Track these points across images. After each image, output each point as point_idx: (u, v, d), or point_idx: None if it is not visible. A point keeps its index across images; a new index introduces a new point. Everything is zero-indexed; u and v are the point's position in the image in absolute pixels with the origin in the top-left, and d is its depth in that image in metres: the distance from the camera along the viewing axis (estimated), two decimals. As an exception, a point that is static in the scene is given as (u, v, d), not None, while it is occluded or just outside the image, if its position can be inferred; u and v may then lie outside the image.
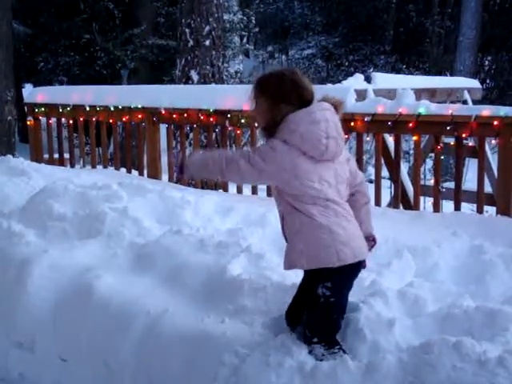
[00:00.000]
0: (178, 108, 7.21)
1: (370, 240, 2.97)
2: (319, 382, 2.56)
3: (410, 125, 5.66)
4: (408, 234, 4.46)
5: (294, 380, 2.61)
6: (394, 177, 6.28)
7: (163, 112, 7.32)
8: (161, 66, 16.36)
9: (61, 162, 8.62)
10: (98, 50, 15.42)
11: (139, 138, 8.03)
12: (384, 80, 8.01)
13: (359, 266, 2.83)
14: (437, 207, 5.74)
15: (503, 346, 2.58)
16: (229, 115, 6.78)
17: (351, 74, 9.37)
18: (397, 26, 23.76)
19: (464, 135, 5.56)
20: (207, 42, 10.13)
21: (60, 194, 4.79)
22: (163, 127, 7.70)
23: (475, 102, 9.20)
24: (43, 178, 6.14)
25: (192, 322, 3.14)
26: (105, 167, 8.22)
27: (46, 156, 8.83)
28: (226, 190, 6.98)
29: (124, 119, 7.81)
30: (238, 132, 6.99)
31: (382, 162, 6.37)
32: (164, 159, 7.58)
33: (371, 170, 10.68)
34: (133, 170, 7.99)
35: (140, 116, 7.57)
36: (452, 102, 8.39)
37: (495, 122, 5.23)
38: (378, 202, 5.98)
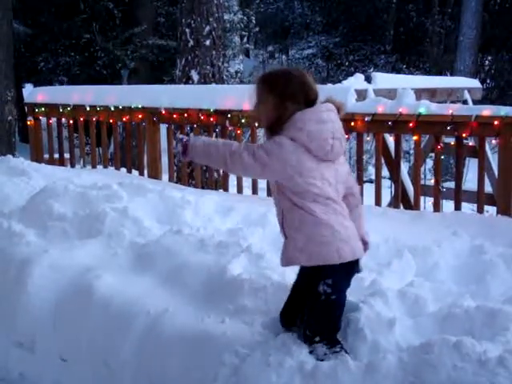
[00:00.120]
0: (178, 108, 7.21)
1: (363, 244, 2.96)
2: (319, 381, 2.56)
3: (411, 125, 5.67)
4: (408, 233, 4.46)
5: (294, 380, 2.61)
6: (395, 177, 6.28)
7: (163, 112, 7.32)
8: (161, 65, 16.36)
9: (61, 162, 8.62)
10: (98, 50, 15.42)
11: (139, 137, 8.03)
12: (384, 80, 8.01)
13: (357, 264, 2.85)
14: (437, 207, 5.74)
15: (504, 346, 2.58)
16: (229, 115, 6.78)
17: (351, 74, 9.37)
18: (397, 25, 23.76)
19: (464, 135, 5.57)
20: (207, 42, 10.14)
21: (60, 194, 4.79)
22: (163, 127, 7.70)
23: (475, 102, 9.19)
24: (43, 177, 6.14)
25: (192, 321, 3.14)
26: (105, 167, 8.22)
27: (47, 156, 8.83)
28: (226, 189, 6.98)
29: (124, 119, 7.82)
30: (239, 132, 6.99)
31: (383, 161, 6.37)
32: (164, 159, 7.58)
33: (371, 170, 10.68)
34: (133, 170, 8.00)
35: (140, 116, 7.57)
36: (452, 102, 8.39)
37: (495, 122, 5.23)
38: (378, 202, 5.99)
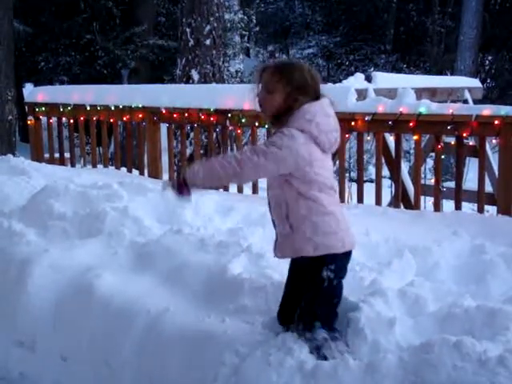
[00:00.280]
0: (178, 107, 7.21)
1: None
2: (320, 381, 2.56)
3: (411, 124, 5.66)
4: (408, 233, 4.46)
5: (294, 379, 2.61)
6: (395, 176, 6.29)
7: (164, 111, 7.32)
8: (161, 65, 16.36)
9: (61, 162, 8.62)
10: (98, 50, 15.42)
11: (140, 137, 8.03)
12: (384, 79, 8.01)
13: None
14: (437, 207, 5.74)
15: (504, 346, 2.58)
16: (229, 115, 6.78)
17: (352, 74, 9.37)
18: (397, 25, 23.76)
19: (465, 135, 5.57)
20: (208, 42, 10.14)
21: (60, 194, 4.79)
22: (164, 127, 7.70)
23: (476, 102, 9.18)
24: (44, 177, 6.14)
25: (192, 321, 3.14)
26: (105, 167, 8.22)
27: (47, 155, 8.83)
28: (226, 189, 6.98)
29: (125, 119, 7.82)
30: (239, 131, 6.99)
31: (383, 161, 6.37)
32: (164, 158, 7.58)
33: (372, 170, 10.68)
34: (133, 170, 8.00)
35: (141, 115, 7.57)
36: (453, 102, 8.39)
37: (496, 122, 5.23)
38: (378, 202, 5.99)
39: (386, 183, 7.70)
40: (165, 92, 7.72)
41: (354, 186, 6.57)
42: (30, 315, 3.71)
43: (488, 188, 6.24)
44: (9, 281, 3.94)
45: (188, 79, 10.17)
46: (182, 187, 2.79)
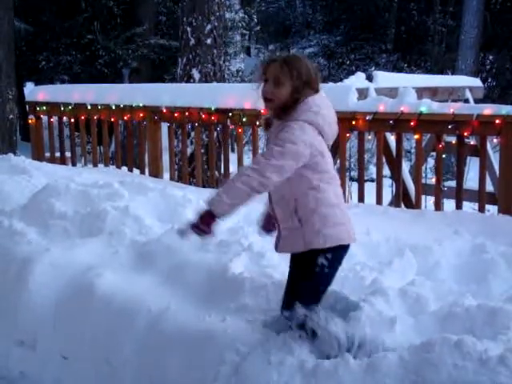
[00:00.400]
0: (179, 107, 7.21)
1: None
2: (320, 380, 2.56)
3: (412, 123, 5.66)
4: (409, 232, 4.46)
5: (295, 378, 2.61)
6: (396, 175, 6.28)
7: (164, 111, 7.32)
8: (162, 64, 16.36)
9: (62, 161, 8.63)
10: (99, 49, 15.41)
11: (140, 136, 8.03)
12: (385, 79, 8.01)
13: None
14: (438, 206, 5.74)
15: (505, 345, 2.58)
16: (230, 114, 6.78)
17: (353, 73, 9.37)
18: (398, 24, 23.75)
19: (466, 134, 5.56)
20: (209, 41, 10.12)
21: (61, 193, 4.79)
22: (165, 126, 7.70)
23: (477, 101, 9.19)
24: (45, 176, 6.14)
25: (193, 320, 3.14)
26: (106, 166, 8.23)
27: (48, 154, 8.84)
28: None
29: (125, 118, 7.82)
30: (240, 131, 6.99)
31: (384, 160, 6.36)
32: (165, 158, 7.58)
33: (373, 169, 10.68)
34: (134, 169, 8.00)
35: (141, 114, 7.58)
36: (454, 101, 8.39)
37: (497, 121, 5.23)
38: (379, 201, 5.99)
39: (387, 182, 7.69)
40: (166, 91, 7.72)
41: (355, 185, 6.57)
42: (31, 314, 3.71)
43: (489, 187, 6.24)
44: (10, 280, 3.94)
45: (189, 78, 10.16)
46: (209, 222, 2.70)
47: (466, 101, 9.09)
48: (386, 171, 6.79)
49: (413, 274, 3.63)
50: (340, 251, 2.84)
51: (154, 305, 3.32)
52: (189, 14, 10.13)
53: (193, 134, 8.28)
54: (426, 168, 8.34)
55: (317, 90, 2.84)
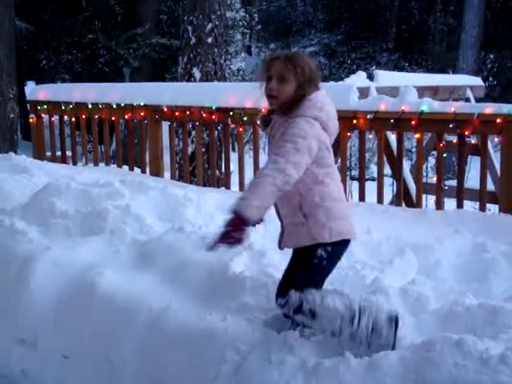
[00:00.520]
0: (180, 106, 7.21)
1: None
2: (321, 379, 2.56)
3: (413, 122, 5.66)
4: (410, 231, 4.46)
5: (295, 377, 2.61)
6: (397, 174, 6.28)
7: (165, 110, 7.32)
8: (163, 63, 16.35)
9: (63, 160, 8.62)
10: (100, 48, 15.42)
11: (141, 135, 8.03)
12: (386, 78, 8.01)
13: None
14: (439, 205, 5.73)
15: (505, 344, 2.58)
16: (231, 113, 6.78)
17: (354, 72, 9.38)
18: (399, 23, 23.75)
19: (466, 133, 5.56)
20: (209, 40, 10.12)
21: (62, 192, 4.80)
22: (165, 125, 7.69)
23: (478, 100, 9.19)
24: (45, 175, 6.15)
25: (194, 318, 3.14)
26: (107, 165, 8.22)
27: (49, 153, 8.83)
28: (228, 187, 6.99)
29: (126, 117, 7.81)
30: (241, 130, 6.98)
31: (385, 159, 6.36)
32: (166, 157, 7.58)
33: (373, 168, 10.68)
34: (135, 168, 8.00)
35: (142, 113, 7.57)
36: (455, 100, 8.38)
37: (498, 120, 5.22)
38: (380, 200, 5.98)
39: (388, 181, 7.69)
40: (166, 90, 7.71)
41: (356, 184, 6.56)
42: (32, 313, 3.72)
43: (490, 186, 6.23)
44: (11, 279, 3.95)
45: (190, 77, 10.16)
46: (241, 229, 2.57)
47: (467, 100, 9.09)
48: (387, 170, 6.79)
49: (413, 273, 3.64)
50: (340, 246, 2.85)
51: (155, 304, 3.32)
52: (190, 13, 10.13)
53: (194, 132, 8.29)
54: (426, 167, 8.35)
55: (318, 87, 2.86)
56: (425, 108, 5.60)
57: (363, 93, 6.54)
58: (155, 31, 16.10)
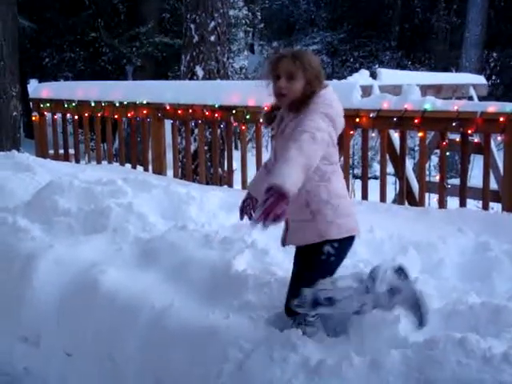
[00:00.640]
0: (182, 104, 7.21)
1: None
2: (323, 377, 2.56)
3: (416, 121, 5.65)
4: (413, 230, 4.46)
5: (298, 375, 2.61)
6: (399, 173, 6.27)
7: (168, 108, 7.32)
8: (166, 62, 16.35)
9: (66, 158, 8.63)
10: (103, 46, 15.42)
11: (144, 133, 8.03)
12: (389, 76, 8.01)
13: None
14: (442, 204, 5.73)
15: (508, 343, 2.58)
16: (234, 111, 6.78)
17: (356, 70, 9.37)
18: (402, 21, 23.73)
19: (470, 131, 5.55)
20: (212, 38, 10.11)
21: (65, 190, 4.80)
22: (168, 123, 7.70)
23: (481, 99, 9.18)
24: (48, 173, 6.15)
25: (197, 316, 3.14)
26: (110, 163, 8.23)
27: (51, 151, 8.84)
28: (230, 185, 6.99)
29: (129, 115, 7.82)
30: (243, 128, 6.98)
31: (387, 158, 6.36)
32: (169, 155, 7.58)
33: (376, 167, 10.67)
34: (138, 166, 8.00)
35: (145, 112, 7.58)
36: (458, 99, 8.37)
37: (501, 119, 5.21)
38: (383, 199, 5.98)
39: (391, 180, 7.68)
40: (169, 88, 7.71)
41: (359, 182, 6.56)
42: (35, 311, 3.72)
43: (493, 185, 6.22)
44: (14, 276, 3.95)
45: (192, 75, 10.15)
46: (283, 203, 2.42)
47: (470, 98, 9.08)
48: (390, 169, 6.79)
49: (416, 272, 3.62)
50: (346, 242, 2.87)
51: (158, 301, 3.33)
52: (192, 11, 10.12)
53: (196, 131, 8.29)
54: (429, 166, 8.34)
55: (325, 84, 2.87)
56: (428, 106, 5.59)
57: (366, 91, 6.53)
58: (158, 30, 16.09)
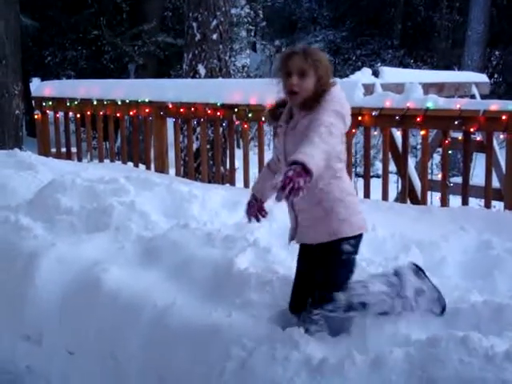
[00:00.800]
0: (185, 102, 7.21)
1: None
2: (326, 375, 2.57)
3: (418, 119, 5.65)
4: (415, 228, 4.46)
5: (300, 374, 2.61)
6: (402, 171, 6.27)
7: (170, 106, 7.32)
8: (168, 60, 16.35)
9: (68, 156, 8.64)
10: (105, 44, 15.42)
11: (146, 132, 8.04)
12: (392, 74, 7.99)
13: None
14: (444, 202, 5.73)
15: (510, 341, 2.58)
16: (236, 109, 6.78)
17: (359, 69, 9.36)
18: (405, 20, 23.68)
19: (472, 130, 5.55)
20: (214, 36, 10.12)
21: (67, 188, 4.80)
22: (170, 121, 7.70)
23: (483, 97, 9.15)
24: (50, 171, 6.15)
25: (199, 315, 3.14)
26: (112, 161, 8.23)
27: (54, 150, 8.85)
28: (232, 184, 6.99)
29: (131, 113, 7.82)
30: (245, 126, 6.98)
31: (390, 156, 6.35)
32: (171, 153, 7.59)
33: (378, 165, 10.67)
34: (140, 164, 8.00)
35: (147, 110, 7.58)
36: (460, 97, 8.36)
37: (503, 117, 5.21)
38: (385, 197, 5.98)
39: (393, 178, 7.68)
40: (171, 87, 7.72)
41: (361, 181, 6.56)
42: (37, 309, 3.72)
43: (495, 183, 6.22)
44: (16, 275, 3.95)
45: (194, 74, 10.16)
46: (303, 179, 2.37)
47: (473, 96, 9.07)
48: (392, 167, 6.78)
49: (419, 270, 3.63)
50: (358, 239, 2.89)
51: (160, 300, 3.33)
52: (194, 10, 10.13)
53: (198, 129, 8.29)
54: (431, 164, 8.33)
55: (334, 82, 2.86)
56: (430, 105, 5.59)
57: (368, 89, 6.53)
58: (160, 28, 16.09)
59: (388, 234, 4.11)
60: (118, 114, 7.98)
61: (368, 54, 22.75)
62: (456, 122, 5.47)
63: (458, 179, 6.66)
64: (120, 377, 3.31)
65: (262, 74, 21.35)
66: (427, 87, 7.18)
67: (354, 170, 7.98)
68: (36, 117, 8.85)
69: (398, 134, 6.57)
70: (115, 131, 8.64)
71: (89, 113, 8.24)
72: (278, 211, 4.19)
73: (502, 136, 5.63)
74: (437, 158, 10.95)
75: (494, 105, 5.37)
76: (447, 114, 5.53)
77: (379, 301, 2.82)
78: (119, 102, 7.80)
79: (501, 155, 7.30)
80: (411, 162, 7.15)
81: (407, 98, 5.80)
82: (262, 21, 21.91)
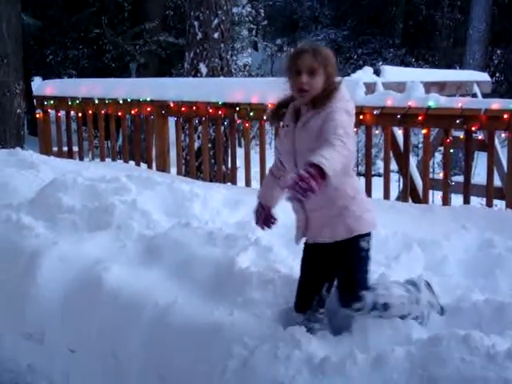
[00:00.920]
0: (186, 101, 7.21)
1: None
2: (327, 374, 2.57)
3: (420, 118, 5.65)
4: (417, 227, 4.45)
5: (302, 372, 2.61)
6: (403, 170, 6.27)
7: (172, 105, 7.32)
8: (169, 59, 16.35)
9: (70, 155, 8.64)
10: (106, 43, 15.42)
11: (148, 130, 8.04)
12: (393, 73, 7.98)
13: None
14: (446, 201, 5.72)
15: (512, 340, 2.58)
16: (237, 108, 6.78)
17: (360, 67, 9.35)
18: (406, 18, 23.68)
19: (473, 128, 5.54)
20: (216, 35, 10.12)
21: (69, 187, 4.80)
22: (172, 120, 7.70)
23: (485, 96, 9.15)
24: (52, 170, 6.15)
25: (201, 313, 3.15)
26: (113, 160, 8.23)
27: (55, 149, 8.84)
28: (234, 183, 6.99)
29: (133, 112, 7.82)
30: (247, 125, 6.98)
31: (391, 155, 6.35)
32: (172, 152, 7.59)
33: (380, 164, 10.66)
34: (141, 163, 8.00)
35: (149, 109, 7.58)
36: (461, 96, 8.35)
37: (505, 116, 5.21)
38: (386, 196, 5.98)
39: (394, 177, 7.68)
40: (173, 86, 7.71)
41: (362, 179, 6.55)
42: (39, 307, 3.73)
43: (497, 182, 6.21)
44: (18, 273, 3.96)
45: (196, 73, 10.16)
46: (318, 181, 2.38)
47: (474, 95, 9.06)
48: (394, 166, 6.78)
49: (420, 269, 3.63)
50: (370, 236, 2.90)
51: (161, 299, 3.33)
52: (196, 9, 10.12)
53: (200, 128, 8.30)
54: (433, 163, 8.33)
55: (339, 80, 2.86)
56: (431, 103, 5.59)
57: (370, 88, 6.53)
58: (162, 27, 16.09)
59: (390, 232, 4.11)
60: (119, 113, 7.98)
61: (369, 53, 22.75)
62: (457, 121, 5.47)
63: (460, 178, 6.65)
64: (121, 375, 3.31)
65: (264, 73, 21.35)
66: (429, 86, 7.17)
67: (355, 168, 7.96)
68: (37, 116, 8.85)
69: (399, 132, 6.57)
70: (117, 130, 8.64)
71: (90, 112, 8.24)
72: (279, 210, 4.19)
73: (503, 135, 5.63)
74: (438, 156, 10.95)
75: (496, 104, 5.36)
76: (449, 112, 5.53)
77: (399, 304, 2.85)
78: (121, 101, 7.79)
79: (502, 154, 7.29)
80: (413, 161, 7.15)
81: (409, 97, 5.80)
82: (264, 20, 21.92)
